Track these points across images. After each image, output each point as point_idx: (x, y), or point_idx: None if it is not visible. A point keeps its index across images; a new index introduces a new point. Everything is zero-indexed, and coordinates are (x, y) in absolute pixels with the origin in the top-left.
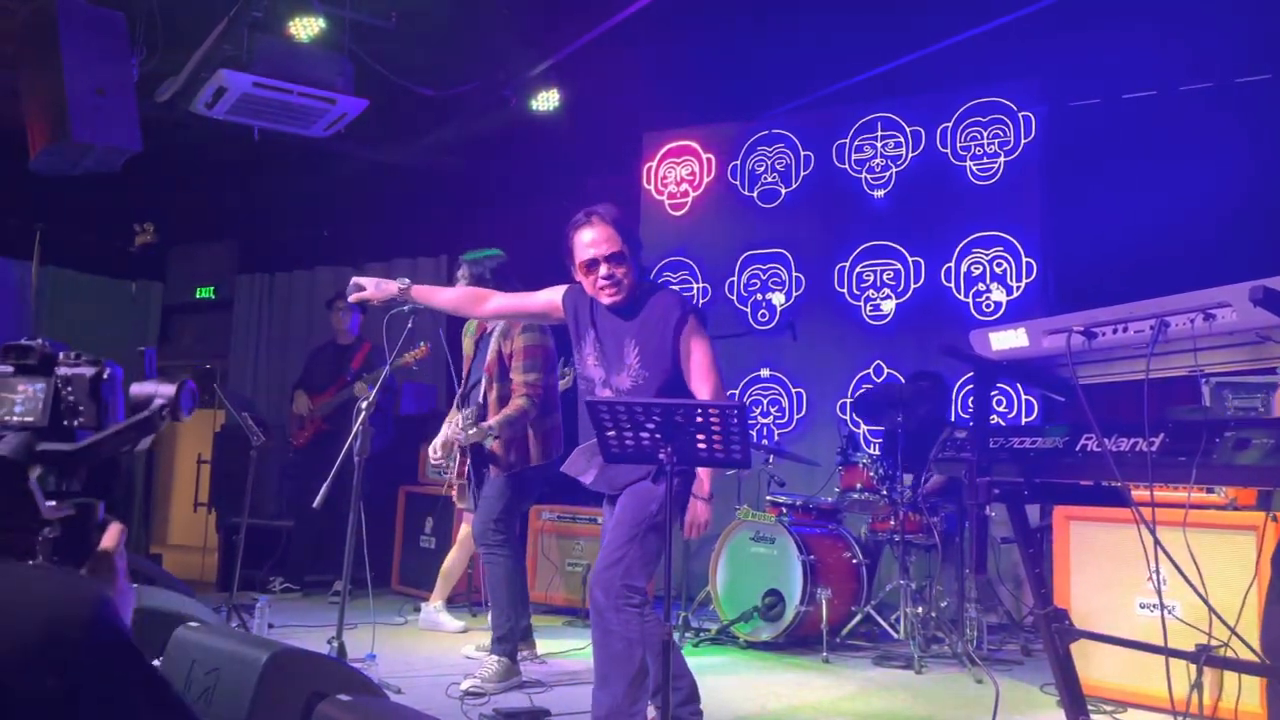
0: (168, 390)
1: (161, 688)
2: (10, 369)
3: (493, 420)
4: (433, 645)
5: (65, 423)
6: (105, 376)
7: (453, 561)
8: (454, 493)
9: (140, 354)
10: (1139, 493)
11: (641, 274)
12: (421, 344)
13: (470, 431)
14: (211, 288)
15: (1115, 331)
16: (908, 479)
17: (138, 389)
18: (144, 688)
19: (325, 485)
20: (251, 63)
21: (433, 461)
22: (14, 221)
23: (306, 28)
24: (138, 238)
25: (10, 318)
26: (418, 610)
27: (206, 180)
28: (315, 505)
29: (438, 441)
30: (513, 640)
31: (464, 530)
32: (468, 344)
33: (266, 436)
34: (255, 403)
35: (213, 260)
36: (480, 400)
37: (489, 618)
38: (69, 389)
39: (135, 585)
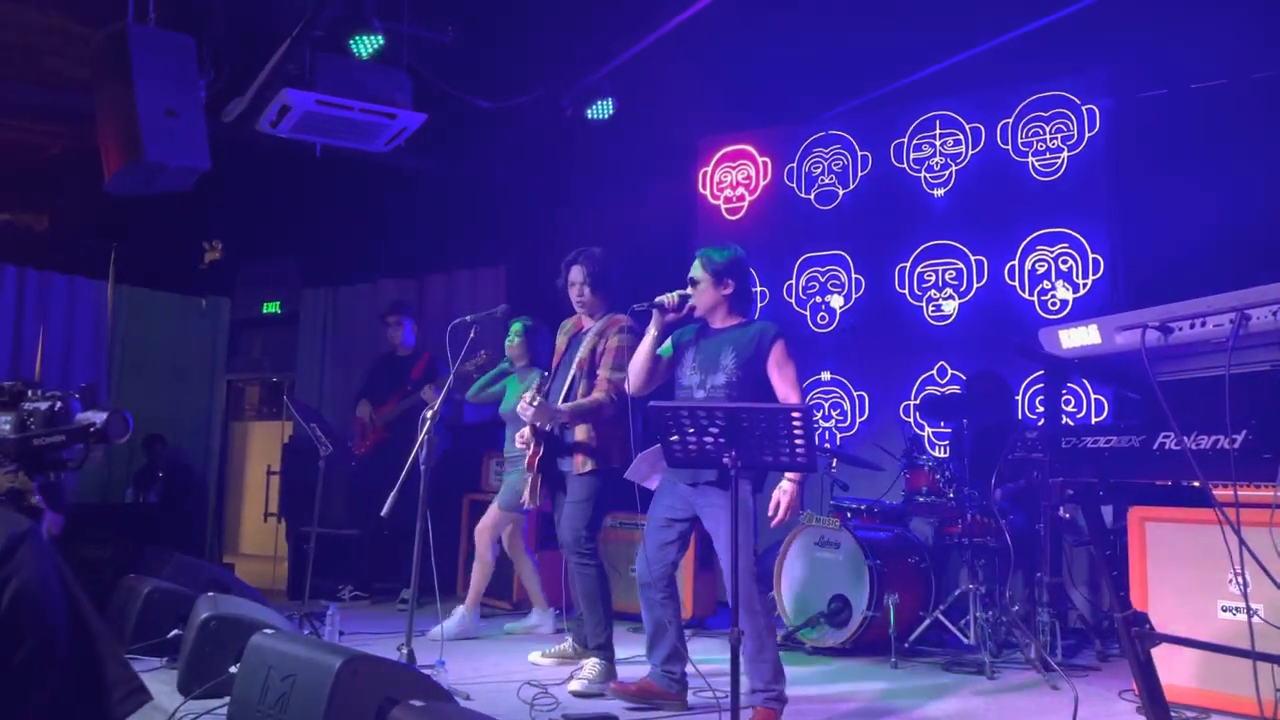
0: (100, 417)
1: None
2: None
3: (565, 405)
4: (501, 652)
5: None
6: (58, 409)
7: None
8: (524, 499)
9: (86, 389)
10: (1220, 492)
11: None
12: (481, 352)
13: (535, 405)
14: (278, 302)
15: (1193, 326)
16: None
17: (80, 416)
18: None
19: (392, 494)
20: (314, 81)
21: (518, 446)
22: (91, 242)
23: (366, 45)
24: (207, 255)
25: (88, 335)
26: (484, 617)
27: (271, 197)
28: (383, 514)
29: (525, 429)
30: (611, 646)
31: (482, 522)
32: (560, 341)
33: (334, 447)
34: (322, 414)
35: (278, 275)
36: (563, 396)
37: (577, 625)
38: (32, 419)
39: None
